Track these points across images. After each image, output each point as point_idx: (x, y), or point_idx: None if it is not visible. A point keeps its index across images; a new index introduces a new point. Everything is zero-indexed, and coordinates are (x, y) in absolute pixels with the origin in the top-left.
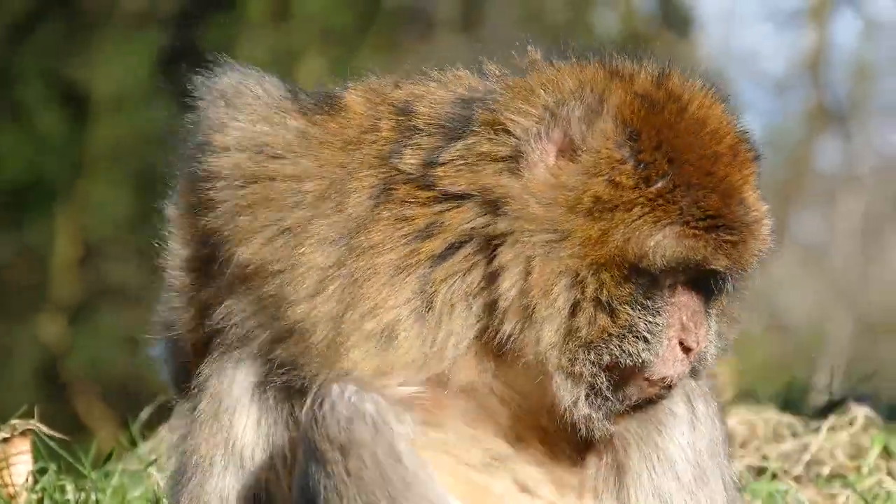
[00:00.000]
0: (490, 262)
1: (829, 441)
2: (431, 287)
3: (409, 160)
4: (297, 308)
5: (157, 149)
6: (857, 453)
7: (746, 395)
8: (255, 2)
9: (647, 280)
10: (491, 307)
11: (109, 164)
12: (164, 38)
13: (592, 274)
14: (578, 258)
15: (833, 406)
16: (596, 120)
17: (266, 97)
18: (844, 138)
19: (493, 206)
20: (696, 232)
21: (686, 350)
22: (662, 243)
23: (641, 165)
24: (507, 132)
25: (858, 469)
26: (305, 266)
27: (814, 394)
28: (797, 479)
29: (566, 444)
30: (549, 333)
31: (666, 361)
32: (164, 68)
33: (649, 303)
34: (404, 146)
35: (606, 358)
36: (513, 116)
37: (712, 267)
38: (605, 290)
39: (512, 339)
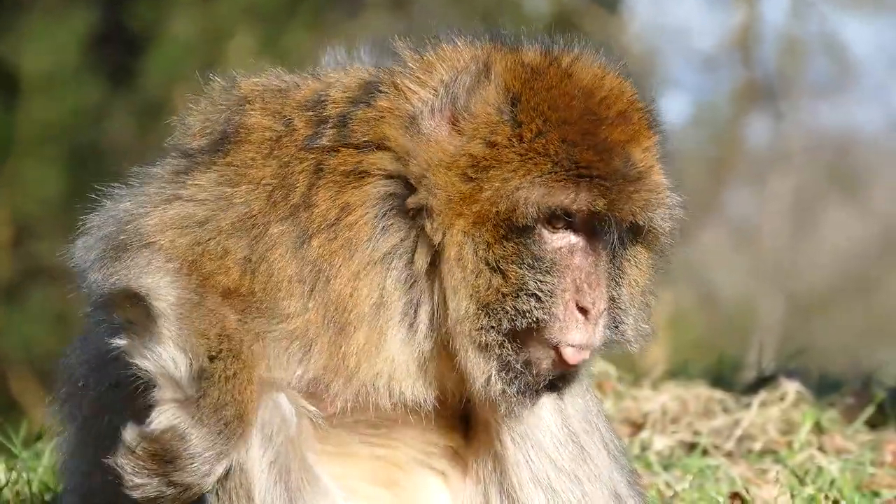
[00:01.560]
0: (412, 225)
1: (761, 417)
2: (378, 260)
3: (328, 134)
4: (290, 324)
5: (88, 128)
6: (789, 429)
7: (678, 371)
8: None
9: (530, 238)
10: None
11: (40, 143)
12: (94, 15)
13: (478, 236)
14: (467, 221)
15: (764, 382)
16: (479, 88)
17: (158, 182)
18: (775, 116)
19: (402, 159)
20: (566, 180)
21: (584, 312)
22: (530, 191)
23: (517, 125)
24: (406, 98)
25: (790, 444)
26: (285, 280)
27: (745, 370)
28: (728, 454)
29: (449, 432)
30: (461, 302)
31: (566, 325)
32: (95, 46)
33: (538, 263)
34: (323, 130)
35: (505, 323)
36: (412, 86)
37: (589, 209)
38: (490, 251)
39: (437, 314)
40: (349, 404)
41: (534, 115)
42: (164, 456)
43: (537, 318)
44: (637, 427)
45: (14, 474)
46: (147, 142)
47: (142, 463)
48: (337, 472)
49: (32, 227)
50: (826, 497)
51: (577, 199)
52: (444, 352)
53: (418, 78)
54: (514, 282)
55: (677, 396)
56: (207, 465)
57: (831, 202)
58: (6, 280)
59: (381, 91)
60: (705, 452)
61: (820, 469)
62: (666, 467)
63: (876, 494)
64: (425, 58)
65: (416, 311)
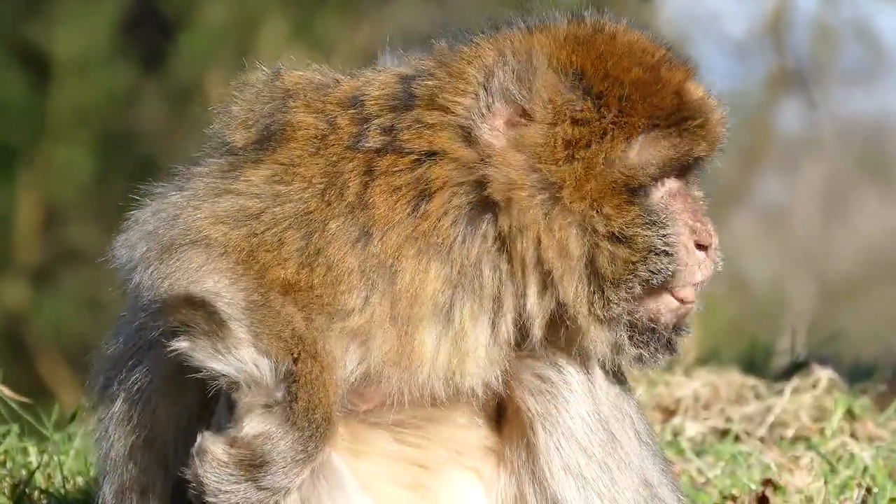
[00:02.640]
0: (495, 225)
1: (793, 403)
2: (457, 261)
3: (374, 138)
4: (352, 320)
5: (119, 112)
6: (821, 415)
7: (710, 357)
8: None
9: (644, 196)
10: (510, 275)
11: (72, 127)
12: (126, 0)
13: (597, 212)
14: (579, 202)
15: (796, 368)
16: (534, 76)
17: (205, 178)
18: (807, 103)
19: (467, 166)
20: (668, 130)
21: (703, 248)
22: (644, 153)
23: (598, 96)
24: (448, 111)
25: (822, 431)
26: (345, 273)
27: (777, 356)
28: (761, 440)
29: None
30: (574, 289)
31: (693, 268)
32: (127, 31)
33: (657, 218)
34: (367, 130)
35: (637, 288)
36: (451, 97)
37: (695, 155)
38: (613, 222)
39: (533, 310)
40: (398, 398)
41: (607, 81)
42: (254, 461)
43: (671, 272)
44: (669, 413)
45: (45, 457)
46: (179, 126)
47: (228, 470)
48: (365, 471)
49: (63, 210)
50: (859, 484)
51: (685, 148)
52: (512, 340)
53: (455, 88)
54: (643, 246)
55: (709, 382)
56: (299, 467)
57: (863, 189)
58: (37, 263)
59: (419, 100)
60: (737, 439)
61: (852, 456)
62: (698, 454)
63: None
64: (452, 65)
65: (497, 307)
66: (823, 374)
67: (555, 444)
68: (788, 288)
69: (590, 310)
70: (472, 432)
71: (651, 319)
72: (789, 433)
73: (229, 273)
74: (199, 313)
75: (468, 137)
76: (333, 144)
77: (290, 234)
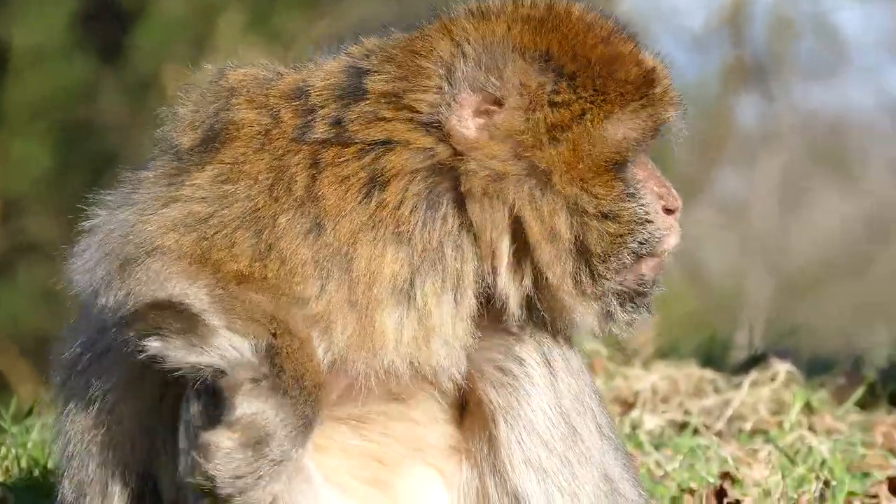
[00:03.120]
0: (459, 210)
1: (751, 396)
2: (418, 245)
3: (320, 129)
4: (310, 307)
5: (77, 105)
6: (779, 409)
7: (668, 351)
8: None
9: (624, 170)
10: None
11: (29, 120)
12: None
13: (587, 192)
14: (569, 185)
15: (754, 361)
16: (503, 63)
17: (152, 186)
18: (765, 96)
19: (415, 146)
20: (641, 102)
21: (671, 212)
22: (624, 128)
23: (570, 77)
24: (412, 109)
25: (780, 424)
26: (299, 264)
27: (735, 349)
28: (719, 434)
29: (449, 410)
30: (561, 270)
31: (668, 232)
32: (84, 23)
33: (633, 189)
34: (312, 122)
35: (627, 259)
36: (413, 96)
37: (666, 122)
38: (602, 201)
39: (504, 295)
40: (366, 384)
41: (577, 61)
42: (258, 438)
43: (658, 239)
44: (628, 406)
45: (3, 449)
46: (137, 119)
47: (237, 455)
48: (327, 465)
49: (21, 203)
50: (817, 477)
51: (658, 117)
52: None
53: (416, 85)
54: (629, 219)
55: (668, 376)
56: (301, 432)
57: (821, 182)
58: None
59: (370, 94)
60: (696, 432)
61: (810, 449)
62: (656, 446)
63: (866, 475)
64: (404, 60)
65: (460, 283)
66: (782, 368)
67: (516, 438)
68: (747, 281)
69: (577, 288)
70: (433, 429)
71: (639, 284)
72: (747, 426)
73: (186, 275)
74: (167, 313)
75: (430, 129)
76: (278, 138)
77: (240, 234)
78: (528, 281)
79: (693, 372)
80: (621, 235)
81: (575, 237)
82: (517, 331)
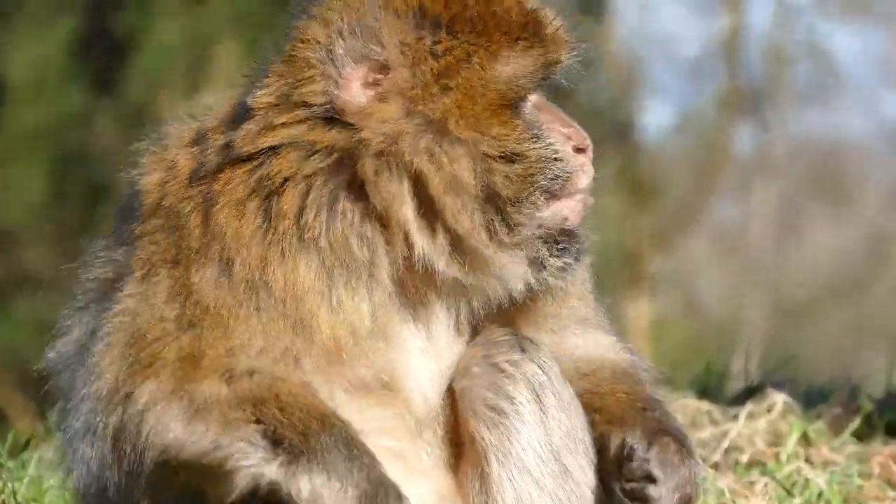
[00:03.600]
0: (357, 200)
1: (748, 428)
2: (325, 248)
3: (211, 161)
4: (255, 346)
5: (72, 134)
6: (776, 440)
7: (664, 382)
8: None
9: (522, 111)
10: (387, 243)
11: (25, 149)
12: (79, 22)
13: (485, 134)
14: (466, 130)
15: (751, 392)
16: (378, 27)
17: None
18: (760, 123)
19: (310, 146)
20: (529, 41)
21: (581, 151)
22: (513, 66)
23: (447, 25)
24: (307, 104)
25: (777, 456)
26: (228, 315)
27: (732, 379)
28: (716, 466)
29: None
30: (471, 221)
31: (580, 169)
32: (79, 53)
33: (537, 129)
34: (205, 158)
35: (539, 199)
36: (304, 89)
37: (559, 61)
38: (504, 141)
39: (427, 258)
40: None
41: (450, 9)
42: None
43: (568, 174)
44: None
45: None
46: (132, 147)
47: None
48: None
49: (16, 233)
50: None
51: (551, 56)
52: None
53: (303, 78)
54: (535, 157)
55: None
56: (349, 473)
57: (817, 209)
58: None
59: (257, 109)
60: None
61: (807, 481)
62: None
63: None
64: (284, 64)
65: (373, 271)
66: (778, 398)
67: (507, 476)
68: (743, 309)
69: (492, 238)
70: (428, 477)
71: (562, 224)
72: (744, 458)
73: (153, 394)
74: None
75: (329, 121)
76: (172, 190)
77: (167, 323)
78: (442, 239)
79: (689, 403)
80: (531, 175)
81: (480, 184)
82: (509, 368)
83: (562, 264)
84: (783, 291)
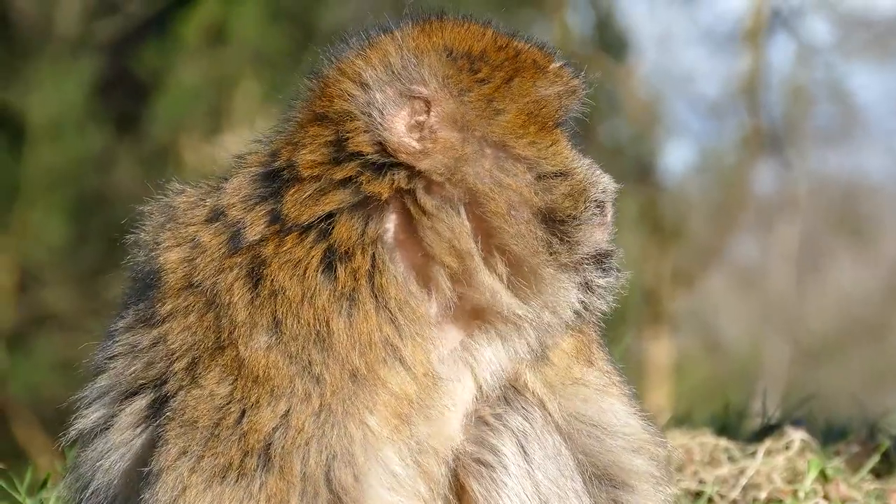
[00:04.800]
0: (413, 241)
1: (766, 465)
2: (385, 296)
3: (254, 229)
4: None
5: (93, 175)
6: (794, 478)
7: (683, 419)
8: (190, 26)
9: (564, 131)
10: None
11: (46, 189)
12: (100, 63)
13: (542, 152)
14: (526, 147)
15: (769, 430)
16: (414, 67)
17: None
18: (781, 162)
19: (365, 203)
20: (554, 69)
21: None
22: (553, 87)
23: (479, 57)
24: (359, 154)
25: (795, 493)
26: (275, 391)
27: (750, 417)
28: (734, 503)
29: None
30: (534, 239)
31: (610, 197)
32: (100, 93)
33: (577, 150)
34: (241, 229)
35: (596, 213)
36: (356, 139)
37: (578, 89)
38: (559, 158)
39: (488, 289)
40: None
41: (479, 44)
42: None
43: (613, 190)
44: None
45: None
46: (153, 188)
47: None
48: None
49: (38, 273)
50: None
51: (577, 79)
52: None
53: (344, 129)
54: (582, 176)
55: (682, 445)
56: None
57: (838, 248)
58: (11, 327)
59: (290, 176)
60: (710, 501)
61: None
62: None
63: None
64: (312, 125)
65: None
66: (796, 436)
67: None
68: (763, 348)
69: (553, 257)
70: None
71: (602, 245)
72: (762, 495)
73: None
74: None
75: (382, 168)
76: (201, 265)
77: (227, 415)
78: (502, 267)
79: (707, 440)
80: (585, 190)
81: (541, 201)
82: (492, 420)
83: (606, 284)
84: (804, 328)
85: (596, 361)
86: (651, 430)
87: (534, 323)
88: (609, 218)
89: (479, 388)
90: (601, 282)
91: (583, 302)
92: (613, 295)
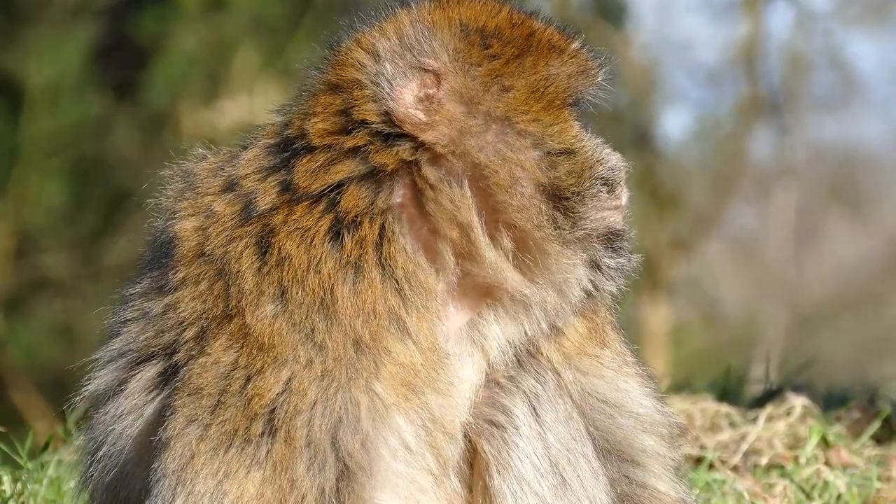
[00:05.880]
0: (421, 214)
1: (767, 431)
2: (392, 265)
3: (265, 199)
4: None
5: (91, 140)
6: (795, 443)
7: (683, 385)
8: None
9: (575, 110)
10: (454, 252)
11: (44, 155)
12: (98, 29)
13: (547, 129)
14: (531, 123)
15: (770, 396)
16: (426, 40)
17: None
18: (779, 130)
19: (374, 175)
20: (568, 52)
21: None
22: (565, 68)
23: (493, 34)
24: (364, 122)
25: (796, 459)
26: (279, 358)
27: (750, 384)
28: (735, 469)
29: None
30: (538, 213)
31: (622, 180)
32: (99, 59)
33: (587, 128)
34: (253, 199)
35: (602, 190)
36: (362, 107)
37: (594, 71)
38: (564, 136)
39: (492, 265)
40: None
41: (493, 20)
42: None
43: (623, 167)
44: None
45: (19, 485)
46: (151, 154)
47: None
48: None
49: (36, 238)
50: None
51: (589, 69)
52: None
53: (352, 97)
54: (591, 153)
55: (683, 410)
56: None
57: (835, 216)
58: (9, 291)
59: (304, 147)
60: (711, 467)
61: (826, 484)
62: None
63: None
64: (326, 93)
65: (433, 301)
66: (797, 402)
67: (508, 488)
68: (761, 315)
69: (557, 231)
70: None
71: (611, 226)
72: (763, 461)
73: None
74: None
75: (389, 138)
76: (217, 233)
77: (231, 397)
78: (507, 242)
79: (708, 406)
80: (591, 167)
81: (545, 176)
82: (506, 383)
83: (616, 265)
84: (801, 297)
85: (610, 343)
86: (664, 412)
87: (541, 302)
88: (623, 201)
89: (489, 365)
90: (611, 262)
91: (591, 281)
92: (624, 276)
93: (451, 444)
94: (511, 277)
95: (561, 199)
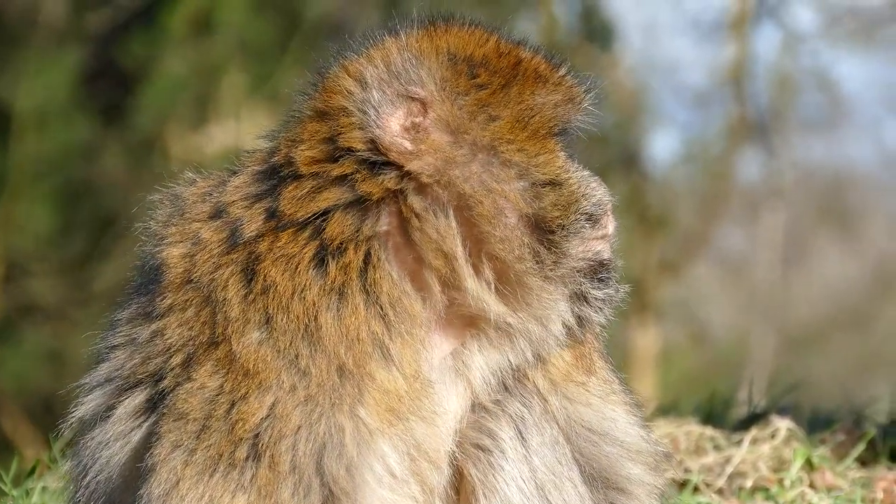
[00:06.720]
0: (407, 242)
1: (752, 454)
2: (377, 291)
3: (251, 226)
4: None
5: (79, 165)
6: (780, 466)
7: (669, 408)
8: (177, 17)
9: (560, 141)
10: (438, 281)
11: (32, 179)
12: (86, 54)
13: (532, 159)
14: (517, 154)
15: (755, 418)
16: (414, 69)
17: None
18: (767, 152)
19: (361, 204)
20: (556, 80)
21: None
22: (551, 98)
23: (481, 63)
24: (352, 150)
25: (781, 482)
26: (263, 384)
27: (736, 406)
28: (720, 492)
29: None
30: (519, 245)
31: (607, 211)
32: (87, 83)
33: (571, 159)
34: (239, 226)
35: (585, 225)
36: (348, 135)
37: (581, 100)
38: (550, 167)
39: (474, 295)
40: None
41: (480, 50)
42: None
43: (608, 200)
44: None
45: None
46: (139, 178)
47: None
48: None
49: (24, 263)
50: None
51: (575, 97)
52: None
53: (338, 125)
54: (576, 186)
55: (668, 434)
56: None
57: (823, 238)
58: None
59: (289, 173)
60: (696, 490)
61: None
62: None
63: None
64: (312, 122)
65: (424, 320)
66: (782, 425)
67: None
68: (750, 336)
69: (539, 266)
70: None
71: (596, 257)
72: (748, 483)
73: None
74: None
75: (375, 166)
76: (204, 260)
77: (216, 421)
78: (489, 273)
79: (693, 429)
80: (576, 201)
81: (529, 208)
82: (491, 406)
83: (603, 296)
84: (790, 317)
85: (597, 371)
86: (650, 440)
87: (525, 333)
88: (610, 230)
89: (473, 396)
90: (598, 293)
91: (577, 314)
92: (611, 307)
93: (436, 474)
94: (494, 308)
95: (545, 233)
